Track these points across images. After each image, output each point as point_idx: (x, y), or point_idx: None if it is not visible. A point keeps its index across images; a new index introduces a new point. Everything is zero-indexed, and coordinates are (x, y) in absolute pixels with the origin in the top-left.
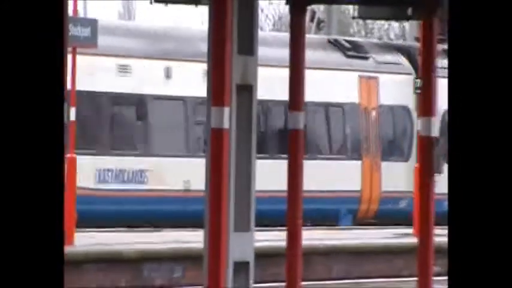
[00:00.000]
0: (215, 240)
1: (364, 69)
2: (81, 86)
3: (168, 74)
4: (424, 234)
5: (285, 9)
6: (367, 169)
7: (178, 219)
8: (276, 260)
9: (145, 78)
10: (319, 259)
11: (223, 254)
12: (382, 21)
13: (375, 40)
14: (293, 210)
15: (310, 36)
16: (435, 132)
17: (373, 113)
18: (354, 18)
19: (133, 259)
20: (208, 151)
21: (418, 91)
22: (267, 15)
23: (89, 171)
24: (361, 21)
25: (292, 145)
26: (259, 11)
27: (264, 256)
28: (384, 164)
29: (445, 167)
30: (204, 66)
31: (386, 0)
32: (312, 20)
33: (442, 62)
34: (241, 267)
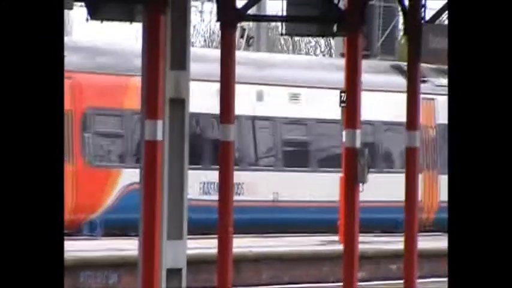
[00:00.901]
0: (149, 248)
1: (423, 91)
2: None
3: (260, 97)
4: (349, 242)
5: (217, 26)
6: (426, 181)
7: (268, 227)
8: (207, 267)
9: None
10: (249, 265)
11: (156, 261)
12: (309, 38)
13: (432, 65)
14: (223, 218)
15: (374, 62)
16: (359, 143)
17: (431, 131)
18: (282, 35)
19: (71, 266)
20: (143, 162)
21: (343, 105)
22: (199, 32)
23: (194, 183)
24: (289, 38)
25: (222, 156)
26: (191, 28)
27: (196, 263)
28: (441, 177)
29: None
30: (289, 90)
31: (312, 18)
32: (242, 36)
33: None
34: (174, 273)
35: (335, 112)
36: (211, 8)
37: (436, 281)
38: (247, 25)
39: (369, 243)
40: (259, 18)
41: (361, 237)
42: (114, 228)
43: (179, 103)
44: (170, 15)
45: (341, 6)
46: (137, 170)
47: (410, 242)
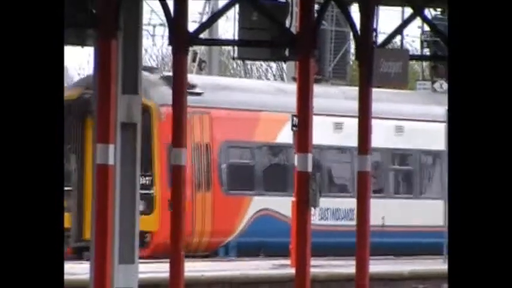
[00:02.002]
0: (100, 272)
1: None
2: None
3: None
4: (301, 265)
5: (168, 49)
6: None
7: (376, 250)
8: None
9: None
10: None
11: (108, 286)
12: (261, 62)
13: None
14: (175, 242)
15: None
16: (311, 167)
17: None
18: (233, 59)
19: None
20: (95, 186)
21: (295, 128)
22: (150, 55)
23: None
24: (240, 62)
25: (175, 180)
26: (143, 52)
27: (147, 287)
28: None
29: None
30: (395, 123)
31: (264, 42)
32: (193, 60)
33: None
34: None
35: (437, 143)
36: (163, 32)
37: None
38: (199, 49)
39: (320, 266)
40: (211, 42)
41: (313, 261)
42: (246, 250)
43: (131, 127)
44: (122, 40)
45: (293, 31)
46: (265, 197)
47: (362, 266)
